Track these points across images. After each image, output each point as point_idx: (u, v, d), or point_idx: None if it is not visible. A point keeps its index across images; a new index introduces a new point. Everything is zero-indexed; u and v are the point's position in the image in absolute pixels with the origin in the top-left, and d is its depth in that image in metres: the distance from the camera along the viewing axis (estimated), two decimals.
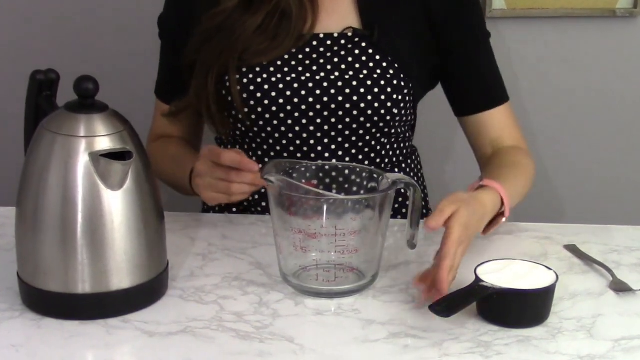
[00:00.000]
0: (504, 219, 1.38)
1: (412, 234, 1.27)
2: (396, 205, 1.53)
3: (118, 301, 1.17)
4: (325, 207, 1.21)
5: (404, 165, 1.62)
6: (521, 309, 1.16)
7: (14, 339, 1.12)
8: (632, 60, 2.31)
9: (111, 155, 1.14)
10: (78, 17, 2.34)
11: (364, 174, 1.32)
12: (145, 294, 1.20)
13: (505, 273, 1.19)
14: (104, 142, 1.14)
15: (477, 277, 1.18)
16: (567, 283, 1.28)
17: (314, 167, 1.33)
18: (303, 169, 1.32)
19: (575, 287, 1.28)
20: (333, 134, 1.52)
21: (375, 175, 1.30)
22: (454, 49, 1.57)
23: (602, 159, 2.39)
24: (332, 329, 1.16)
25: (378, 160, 1.56)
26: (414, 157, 1.67)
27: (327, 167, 1.35)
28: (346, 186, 1.33)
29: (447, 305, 1.12)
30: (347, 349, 1.11)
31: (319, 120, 1.51)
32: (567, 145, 2.38)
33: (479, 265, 1.20)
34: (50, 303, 1.17)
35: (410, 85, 1.54)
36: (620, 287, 1.28)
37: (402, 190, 1.53)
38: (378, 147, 1.56)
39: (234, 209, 1.60)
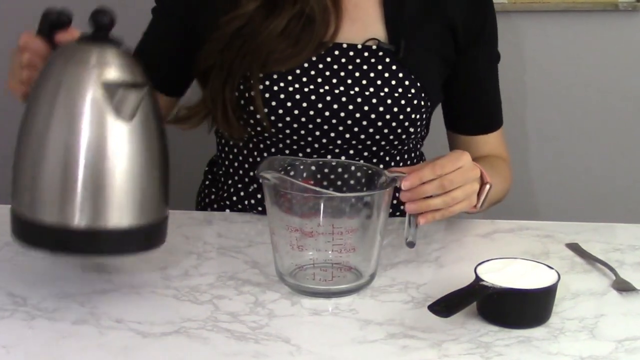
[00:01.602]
0: (488, 186, 1.37)
1: (410, 233, 1.27)
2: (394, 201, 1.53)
3: (114, 239, 1.15)
4: (322, 205, 1.20)
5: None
6: (522, 309, 1.16)
7: (5, 340, 1.11)
8: (634, 54, 2.31)
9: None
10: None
11: (362, 171, 1.32)
12: (142, 236, 1.18)
13: (506, 272, 1.19)
14: (117, 73, 1.13)
15: (477, 276, 1.17)
16: (569, 282, 1.28)
17: (310, 164, 1.33)
18: (299, 166, 1.31)
19: (577, 286, 1.28)
20: (345, 146, 1.52)
21: (373, 172, 1.29)
22: (467, 71, 1.60)
23: (604, 155, 2.39)
24: (329, 329, 1.16)
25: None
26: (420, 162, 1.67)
27: (324, 164, 1.35)
28: (344, 183, 1.33)
29: (446, 305, 1.12)
30: (345, 350, 1.10)
31: (332, 134, 1.50)
32: (569, 141, 2.38)
33: (479, 264, 1.20)
34: (45, 236, 1.14)
35: (429, 104, 1.54)
36: (623, 287, 1.28)
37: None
38: (387, 158, 1.57)
39: (227, 210, 1.60)
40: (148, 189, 1.17)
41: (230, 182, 1.61)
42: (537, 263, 1.22)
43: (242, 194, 1.59)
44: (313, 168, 1.33)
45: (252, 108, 1.48)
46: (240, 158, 1.58)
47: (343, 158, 1.53)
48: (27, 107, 1.16)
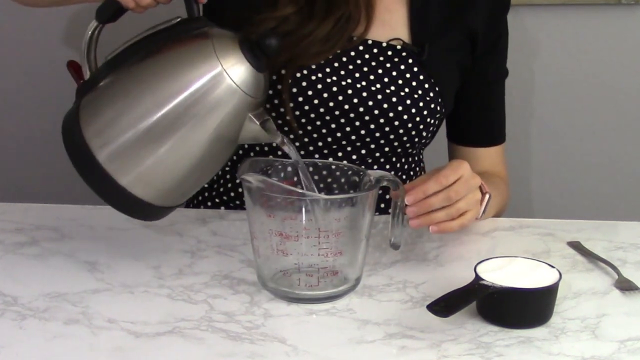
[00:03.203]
0: (487, 196, 1.38)
1: (394, 234, 1.26)
2: (381, 205, 1.53)
3: (142, 208, 1.26)
4: (308, 208, 1.18)
5: (404, 177, 1.62)
6: (523, 309, 1.16)
7: None
8: (637, 49, 2.31)
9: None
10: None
11: (345, 172, 1.30)
12: (158, 212, 1.30)
13: (506, 271, 1.19)
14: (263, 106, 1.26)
15: (477, 275, 1.17)
16: (571, 281, 1.28)
17: (291, 166, 1.31)
18: (280, 168, 1.29)
19: (579, 285, 1.28)
20: (358, 144, 1.53)
21: (355, 173, 1.28)
22: (476, 81, 1.62)
23: (607, 151, 2.39)
24: (326, 329, 1.16)
25: (387, 170, 1.57)
26: (418, 169, 1.68)
27: (307, 166, 1.33)
28: (327, 185, 1.32)
29: (445, 305, 1.12)
30: (342, 351, 1.10)
31: (348, 128, 1.52)
32: (570, 137, 2.38)
33: (479, 263, 1.20)
34: (90, 166, 1.22)
35: (444, 110, 1.57)
36: (625, 286, 1.28)
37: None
38: (394, 159, 1.58)
39: (222, 207, 1.60)
40: (191, 186, 1.30)
41: (228, 176, 1.61)
42: (538, 262, 1.22)
43: (240, 190, 1.58)
44: (294, 169, 1.30)
45: (270, 92, 1.48)
46: (241, 152, 1.58)
47: (354, 157, 1.54)
48: (157, 62, 1.23)
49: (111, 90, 1.24)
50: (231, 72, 1.20)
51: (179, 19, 1.25)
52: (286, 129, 1.51)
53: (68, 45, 2.32)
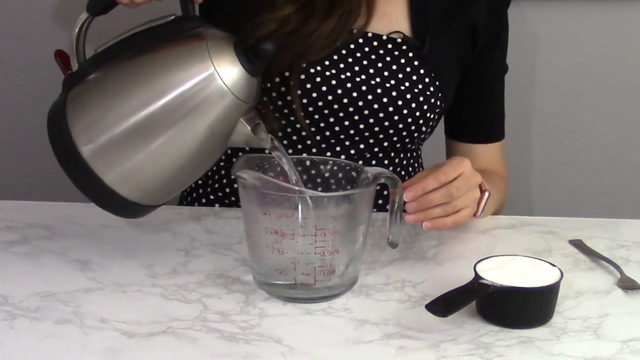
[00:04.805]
0: (487, 194, 1.39)
1: (393, 232, 1.26)
2: (379, 201, 1.53)
3: (124, 206, 1.24)
4: (304, 205, 1.18)
5: (402, 172, 1.63)
6: (523, 308, 1.16)
7: None
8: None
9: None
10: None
11: (342, 168, 1.30)
12: (142, 210, 1.28)
13: (507, 270, 1.19)
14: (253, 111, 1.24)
15: (476, 274, 1.17)
16: (572, 280, 1.28)
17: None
18: (276, 164, 1.28)
19: (581, 284, 1.28)
20: (357, 138, 1.54)
21: (353, 169, 1.28)
22: (476, 76, 1.63)
23: (609, 148, 2.39)
24: (323, 329, 1.15)
25: (385, 165, 1.58)
26: (416, 165, 1.68)
27: (302, 162, 1.33)
28: (324, 180, 1.31)
29: (444, 304, 1.12)
30: (339, 351, 1.10)
31: (347, 122, 1.52)
32: (571, 134, 2.38)
33: (478, 262, 1.20)
34: (74, 162, 1.21)
35: (443, 105, 1.57)
36: (628, 285, 1.28)
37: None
38: (392, 154, 1.58)
39: (217, 205, 1.60)
40: (176, 186, 1.29)
41: (223, 172, 1.61)
42: (539, 260, 1.22)
43: (235, 186, 1.58)
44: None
45: (269, 85, 1.49)
46: (236, 148, 1.58)
47: (352, 152, 1.54)
48: (153, 61, 1.22)
49: (100, 86, 1.24)
50: (223, 74, 1.19)
51: (173, 17, 1.25)
52: (283, 122, 1.51)
53: (59, 26, 2.31)
